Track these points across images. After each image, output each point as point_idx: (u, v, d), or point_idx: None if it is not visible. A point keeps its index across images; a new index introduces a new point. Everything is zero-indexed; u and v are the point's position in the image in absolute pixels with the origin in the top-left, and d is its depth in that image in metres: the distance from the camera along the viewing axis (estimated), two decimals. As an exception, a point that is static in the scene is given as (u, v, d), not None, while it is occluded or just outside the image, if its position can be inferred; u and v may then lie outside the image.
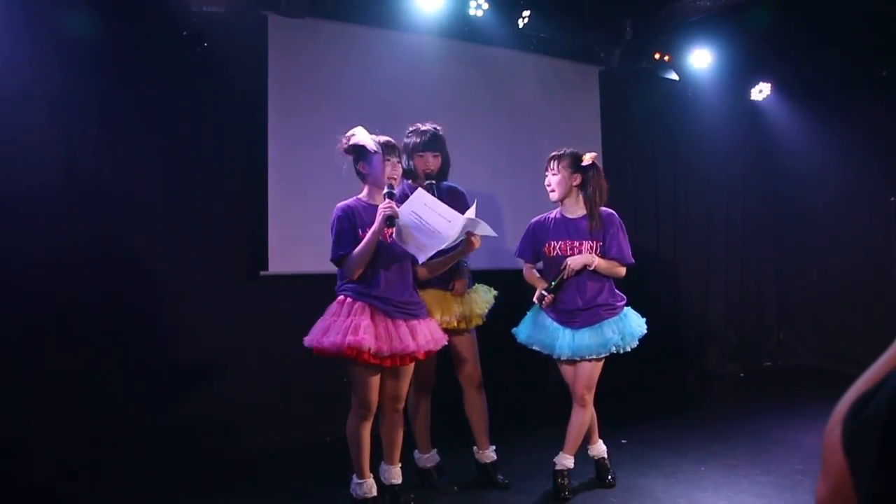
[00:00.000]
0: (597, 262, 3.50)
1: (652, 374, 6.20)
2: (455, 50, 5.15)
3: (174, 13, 4.15)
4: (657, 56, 5.81)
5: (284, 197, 4.46)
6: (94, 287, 3.97)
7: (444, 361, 3.73)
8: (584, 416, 3.61)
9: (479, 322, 3.69)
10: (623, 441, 4.50)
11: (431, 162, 3.55)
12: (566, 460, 3.60)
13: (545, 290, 3.53)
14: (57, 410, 3.74)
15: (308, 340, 3.12)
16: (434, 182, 3.51)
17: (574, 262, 3.49)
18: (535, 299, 3.59)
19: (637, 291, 6.12)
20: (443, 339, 3.32)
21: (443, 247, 3.16)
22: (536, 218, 3.73)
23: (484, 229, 3.17)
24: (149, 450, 3.93)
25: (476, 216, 3.14)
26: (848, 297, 6.51)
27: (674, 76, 6.03)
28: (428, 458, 3.73)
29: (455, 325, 3.56)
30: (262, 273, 4.41)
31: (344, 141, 3.21)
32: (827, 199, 6.66)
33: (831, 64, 6.11)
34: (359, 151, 3.21)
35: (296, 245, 4.45)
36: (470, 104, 5.14)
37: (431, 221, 3.15)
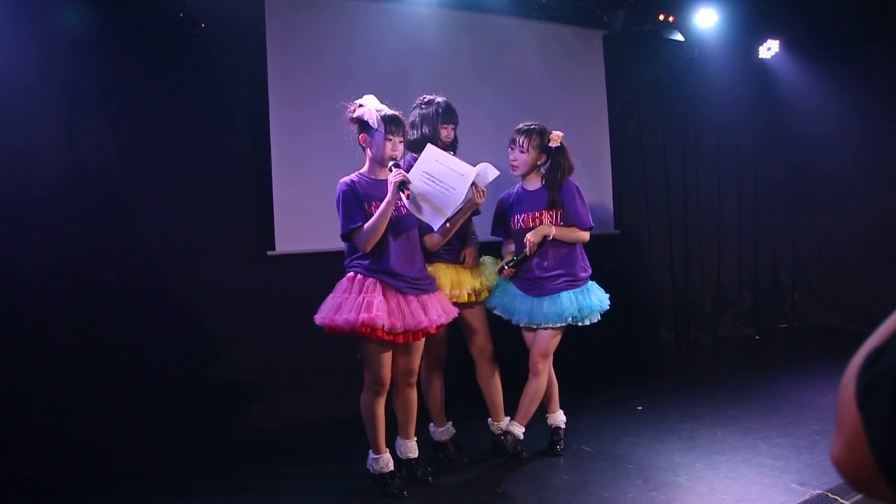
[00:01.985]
0: (554, 231, 3.53)
1: (666, 339, 6.21)
2: (456, 19, 5.06)
3: (169, -4, 4.10)
4: (661, 17, 5.68)
5: (288, 176, 4.43)
6: (105, 274, 3.97)
7: (455, 335, 3.73)
8: (537, 385, 3.62)
9: (488, 295, 3.68)
10: (639, 407, 4.51)
11: (452, 133, 3.59)
12: (514, 427, 3.60)
13: (507, 263, 3.60)
14: (69, 392, 3.76)
15: (320, 318, 3.12)
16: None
17: (534, 236, 3.52)
18: (496, 270, 3.66)
19: (649, 257, 6.15)
20: (453, 312, 3.33)
21: (458, 204, 3.18)
22: (502, 194, 3.78)
23: (492, 172, 3.28)
24: (161, 428, 3.96)
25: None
26: (864, 256, 6.44)
27: (679, 37, 5.90)
28: (443, 432, 3.75)
29: (465, 298, 3.55)
30: (269, 253, 4.41)
31: (351, 109, 3.19)
32: (840, 156, 6.55)
33: (840, 17, 5.97)
34: (362, 124, 3.18)
35: (301, 224, 4.43)
36: (473, 74, 5.07)
37: (444, 178, 3.17)
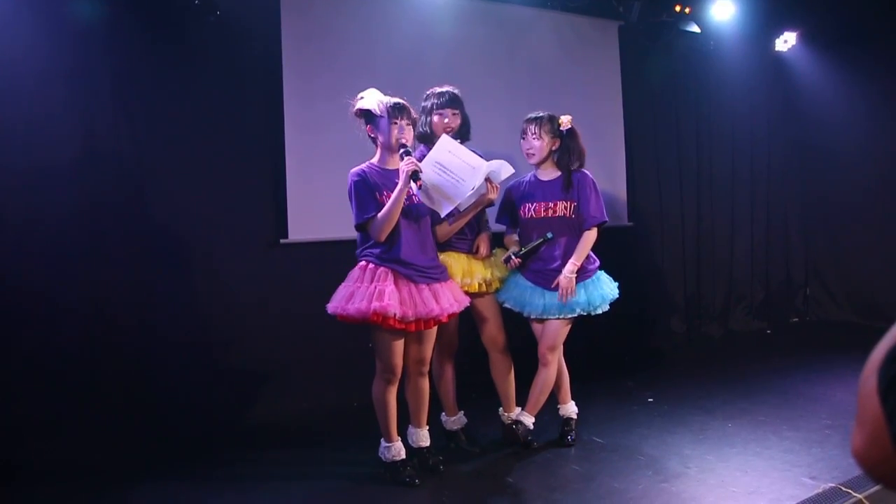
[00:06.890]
0: (570, 270, 3.49)
1: (677, 331, 6.20)
2: (472, 9, 5.05)
3: (184, -18, 4.11)
4: (678, 8, 5.65)
5: (302, 164, 4.44)
6: (119, 260, 3.99)
7: (468, 325, 3.74)
8: (546, 376, 3.64)
9: (499, 286, 3.68)
10: (650, 399, 4.51)
11: (451, 119, 3.54)
12: (525, 418, 3.62)
13: (514, 252, 3.57)
14: (82, 378, 3.81)
15: (332, 307, 3.13)
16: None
17: (568, 284, 3.49)
18: (502, 260, 3.64)
19: (661, 249, 6.13)
20: (465, 301, 3.33)
21: (468, 195, 3.18)
22: (511, 182, 3.73)
23: (507, 170, 3.28)
24: (172, 415, 3.99)
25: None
26: (876, 250, 6.40)
27: (695, 29, 5.87)
28: (455, 421, 3.76)
29: (476, 287, 3.56)
30: (282, 241, 4.43)
31: (353, 104, 3.19)
32: (855, 151, 6.50)
33: (858, 10, 5.91)
34: (366, 115, 3.19)
35: (314, 212, 4.45)
36: (488, 64, 5.06)
37: (455, 170, 3.18)
